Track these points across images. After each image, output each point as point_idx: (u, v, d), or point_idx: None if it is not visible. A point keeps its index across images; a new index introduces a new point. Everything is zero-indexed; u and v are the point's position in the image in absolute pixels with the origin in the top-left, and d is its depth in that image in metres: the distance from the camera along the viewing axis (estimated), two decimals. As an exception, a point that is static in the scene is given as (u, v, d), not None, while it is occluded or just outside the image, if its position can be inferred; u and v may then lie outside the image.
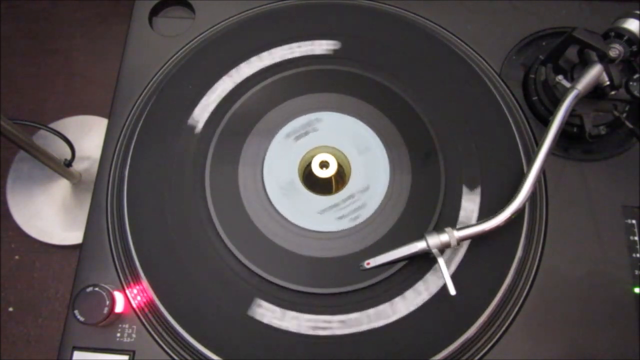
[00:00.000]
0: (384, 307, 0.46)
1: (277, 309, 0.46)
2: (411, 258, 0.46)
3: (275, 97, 0.54)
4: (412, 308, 0.46)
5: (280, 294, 0.46)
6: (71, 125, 1.15)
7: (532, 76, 0.54)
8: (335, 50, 0.56)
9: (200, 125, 0.53)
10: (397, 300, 0.46)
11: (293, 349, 0.45)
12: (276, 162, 0.51)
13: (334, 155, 0.51)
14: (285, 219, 0.49)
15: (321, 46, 0.56)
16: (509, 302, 0.47)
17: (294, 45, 0.56)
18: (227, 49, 0.56)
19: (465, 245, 0.48)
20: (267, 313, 0.46)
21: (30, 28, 1.28)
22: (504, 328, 0.47)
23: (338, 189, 0.51)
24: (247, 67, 0.55)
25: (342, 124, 0.53)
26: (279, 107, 0.53)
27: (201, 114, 0.53)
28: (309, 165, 0.51)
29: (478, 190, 0.50)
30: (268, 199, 0.50)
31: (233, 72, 0.55)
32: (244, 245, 0.48)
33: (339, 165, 0.52)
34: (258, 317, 0.46)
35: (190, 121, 0.53)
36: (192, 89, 0.54)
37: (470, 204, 0.49)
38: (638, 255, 0.49)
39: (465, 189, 0.50)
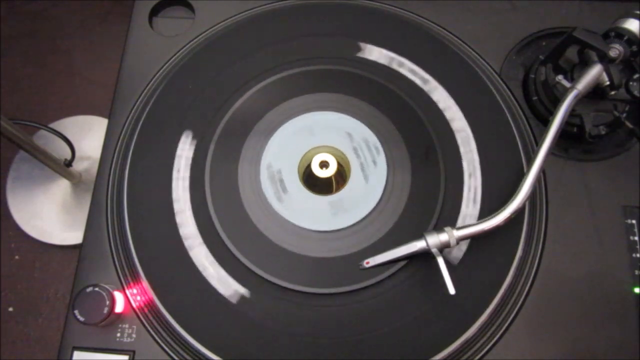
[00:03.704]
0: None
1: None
2: (411, 257, 0.46)
3: (275, 97, 0.54)
4: (412, 307, 0.46)
5: (280, 294, 0.46)
6: (71, 125, 1.15)
7: (532, 76, 0.54)
8: (335, 50, 0.56)
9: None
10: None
11: (293, 349, 0.45)
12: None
13: (334, 155, 0.51)
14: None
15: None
16: (509, 302, 0.47)
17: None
18: (228, 48, 0.56)
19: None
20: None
21: (30, 28, 1.28)
22: (504, 328, 0.47)
23: (338, 189, 0.51)
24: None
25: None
26: (279, 108, 0.53)
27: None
28: (309, 165, 0.51)
29: (478, 190, 0.50)
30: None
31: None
32: (244, 245, 0.48)
33: (339, 165, 0.52)
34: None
35: (189, 122, 0.53)
36: (192, 89, 0.54)
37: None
38: (638, 255, 0.49)
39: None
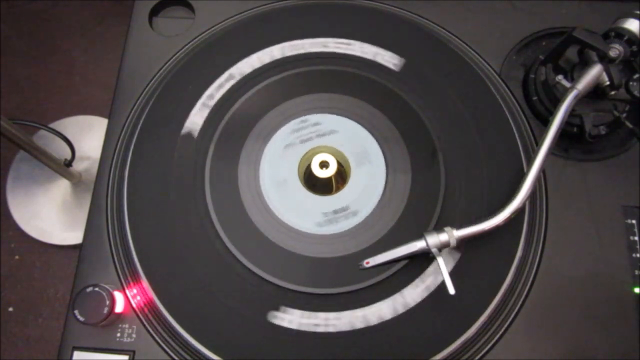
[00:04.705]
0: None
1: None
2: (411, 257, 0.46)
3: (275, 97, 0.54)
4: (412, 307, 0.46)
5: (279, 293, 0.46)
6: (71, 125, 1.16)
7: (532, 76, 0.54)
8: (336, 50, 0.56)
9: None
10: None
11: (293, 348, 0.45)
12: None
13: (334, 155, 0.51)
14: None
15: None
16: (509, 302, 0.47)
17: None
18: (228, 48, 0.56)
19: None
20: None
21: (30, 28, 1.28)
22: (504, 328, 0.46)
23: (338, 189, 0.51)
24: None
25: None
26: (279, 108, 0.53)
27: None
28: (309, 165, 0.51)
29: (478, 190, 0.50)
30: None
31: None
32: (244, 245, 0.48)
33: (339, 165, 0.52)
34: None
35: (189, 122, 0.53)
36: (192, 89, 0.54)
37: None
38: (638, 255, 0.49)
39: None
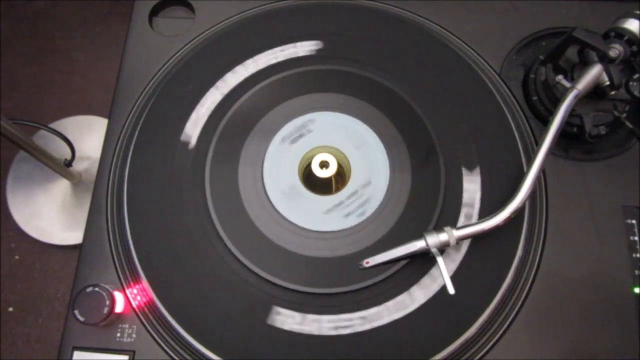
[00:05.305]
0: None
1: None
2: (411, 257, 0.46)
3: (276, 97, 0.54)
4: (411, 308, 0.46)
5: (279, 293, 0.46)
6: (71, 125, 1.15)
7: (532, 76, 0.54)
8: (336, 50, 0.56)
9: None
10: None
11: (293, 349, 0.45)
12: (276, 162, 0.51)
13: (334, 155, 0.51)
14: (286, 220, 0.49)
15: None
16: (509, 302, 0.47)
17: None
18: (228, 48, 0.56)
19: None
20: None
21: (30, 28, 1.28)
22: (504, 328, 0.47)
23: (338, 189, 0.51)
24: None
25: (341, 124, 0.53)
26: (280, 107, 0.53)
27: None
28: (309, 165, 0.51)
29: (478, 190, 0.50)
30: (267, 198, 0.50)
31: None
32: (243, 245, 0.48)
33: (339, 165, 0.52)
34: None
35: (189, 122, 0.53)
36: (192, 89, 0.54)
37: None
38: (638, 255, 0.49)
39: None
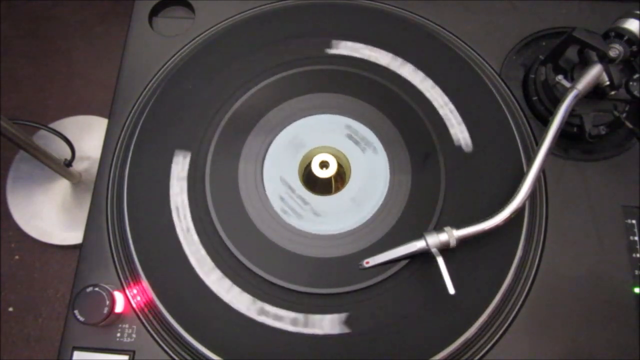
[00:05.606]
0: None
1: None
2: (411, 257, 0.46)
3: (276, 97, 0.54)
4: (412, 307, 0.46)
5: (279, 294, 0.46)
6: (71, 125, 1.16)
7: (532, 76, 0.54)
8: (336, 50, 0.56)
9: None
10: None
11: (293, 349, 0.45)
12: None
13: (334, 155, 0.51)
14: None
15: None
16: (509, 302, 0.47)
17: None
18: (227, 49, 0.56)
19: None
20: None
21: (30, 28, 1.28)
22: (504, 328, 0.46)
23: (338, 190, 0.51)
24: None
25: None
26: (280, 107, 0.53)
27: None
28: (309, 165, 0.51)
29: (478, 190, 0.50)
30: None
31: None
32: (243, 245, 0.48)
33: (339, 166, 0.52)
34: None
35: (189, 121, 0.53)
36: (192, 89, 0.54)
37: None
38: (638, 255, 0.49)
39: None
